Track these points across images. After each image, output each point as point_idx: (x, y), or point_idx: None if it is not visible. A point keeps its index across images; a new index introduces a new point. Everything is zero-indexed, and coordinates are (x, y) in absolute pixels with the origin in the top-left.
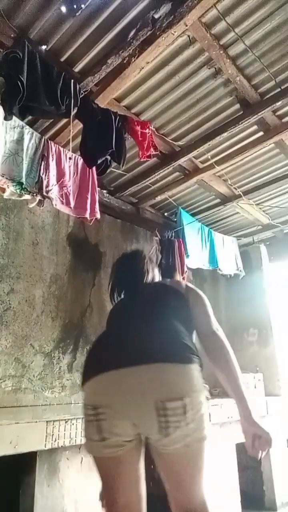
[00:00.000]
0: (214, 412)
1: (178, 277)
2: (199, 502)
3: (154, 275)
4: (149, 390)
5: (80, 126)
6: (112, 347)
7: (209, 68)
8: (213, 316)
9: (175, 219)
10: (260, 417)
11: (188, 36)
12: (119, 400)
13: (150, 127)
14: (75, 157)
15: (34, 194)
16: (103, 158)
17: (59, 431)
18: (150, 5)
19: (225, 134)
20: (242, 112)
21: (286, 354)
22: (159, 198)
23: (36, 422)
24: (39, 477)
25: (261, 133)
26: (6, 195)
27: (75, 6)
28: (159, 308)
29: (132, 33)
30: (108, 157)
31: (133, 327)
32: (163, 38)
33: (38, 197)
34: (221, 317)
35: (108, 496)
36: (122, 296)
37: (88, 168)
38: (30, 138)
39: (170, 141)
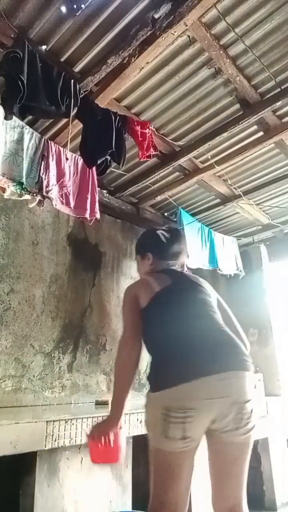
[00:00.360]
0: None
1: None
2: (243, 496)
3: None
4: (236, 393)
5: (80, 126)
6: (196, 352)
7: (209, 68)
8: None
9: (175, 219)
10: (260, 417)
11: (188, 36)
12: (209, 403)
13: (150, 127)
14: (75, 157)
15: (34, 194)
16: (103, 158)
17: (59, 431)
18: (150, 5)
19: (225, 134)
20: (242, 112)
21: (286, 354)
22: (159, 198)
23: (36, 422)
24: (39, 477)
25: (261, 133)
26: (6, 195)
27: (75, 6)
28: (215, 307)
29: (132, 33)
30: (108, 157)
31: (207, 329)
32: (163, 38)
33: (38, 197)
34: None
35: (167, 486)
36: (161, 271)
37: (88, 168)
38: (30, 138)
39: (170, 141)
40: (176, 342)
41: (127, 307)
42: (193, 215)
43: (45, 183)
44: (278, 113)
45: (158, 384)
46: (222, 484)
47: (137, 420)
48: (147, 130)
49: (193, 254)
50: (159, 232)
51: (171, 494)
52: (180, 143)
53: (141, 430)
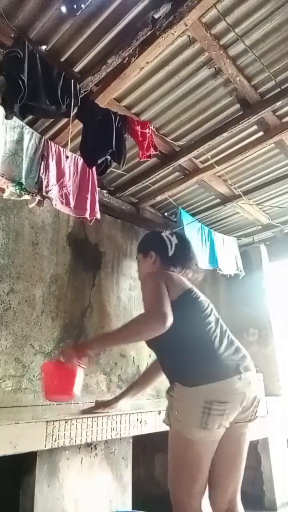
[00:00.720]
0: None
1: None
2: (239, 491)
3: None
4: (255, 389)
5: (80, 126)
6: (230, 355)
7: (209, 68)
8: None
9: (175, 219)
10: (260, 417)
11: (188, 36)
12: (240, 397)
13: (150, 127)
14: (75, 157)
15: (34, 194)
16: (103, 158)
17: (59, 431)
18: (150, 5)
19: (225, 134)
20: (242, 112)
21: (286, 354)
22: (159, 198)
23: (36, 422)
24: (39, 477)
25: (261, 133)
26: (5, 195)
27: (75, 6)
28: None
29: (132, 33)
30: (108, 157)
31: (228, 333)
32: (163, 38)
33: (38, 197)
34: (221, 317)
35: (195, 478)
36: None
37: (88, 168)
38: (30, 138)
39: (170, 141)
40: (211, 341)
41: (160, 284)
42: (193, 215)
43: (44, 183)
44: (278, 113)
45: (196, 380)
46: (227, 477)
47: (137, 420)
48: (147, 130)
49: None
50: (164, 234)
51: (198, 485)
52: (180, 143)
53: (141, 430)
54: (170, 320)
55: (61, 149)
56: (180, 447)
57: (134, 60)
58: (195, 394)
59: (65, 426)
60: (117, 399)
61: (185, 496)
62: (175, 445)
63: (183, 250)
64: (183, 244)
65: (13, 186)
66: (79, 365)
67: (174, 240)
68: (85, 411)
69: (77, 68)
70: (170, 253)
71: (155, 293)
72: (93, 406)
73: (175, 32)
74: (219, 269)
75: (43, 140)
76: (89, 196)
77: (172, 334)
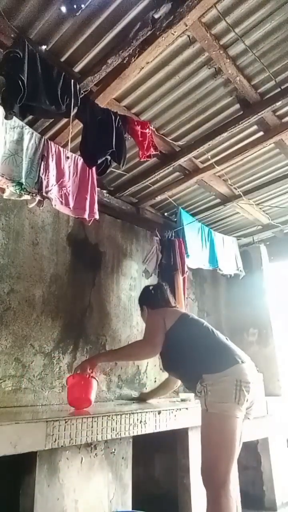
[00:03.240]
0: None
1: (179, 277)
2: None
3: None
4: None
5: (80, 126)
6: (232, 348)
7: (209, 68)
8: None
9: (175, 219)
10: (260, 417)
11: (188, 36)
12: (254, 379)
13: (150, 127)
14: (74, 157)
15: (34, 195)
16: (103, 158)
17: (59, 431)
18: (150, 5)
19: (225, 134)
20: (242, 112)
21: (286, 354)
22: (159, 198)
23: (36, 422)
24: (39, 477)
25: (261, 133)
26: (5, 195)
27: (75, 6)
28: None
29: (132, 33)
30: (108, 157)
31: (222, 335)
32: (163, 38)
33: (38, 198)
34: (221, 317)
35: (230, 462)
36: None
37: (88, 168)
38: (30, 138)
39: (170, 141)
40: (217, 337)
41: (159, 320)
42: (193, 215)
43: (44, 183)
44: (278, 113)
45: (222, 365)
46: (235, 465)
47: (137, 420)
48: (147, 130)
49: (193, 254)
50: (146, 288)
51: (232, 463)
52: (180, 143)
53: (141, 430)
54: (158, 350)
55: (61, 149)
56: (218, 426)
57: (134, 60)
58: (227, 375)
59: (65, 426)
60: (98, 360)
61: (224, 472)
62: (212, 426)
63: (160, 293)
64: (157, 290)
65: (13, 186)
66: (92, 377)
67: (153, 289)
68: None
69: (77, 68)
70: (154, 300)
71: (151, 326)
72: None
73: (175, 32)
74: (219, 269)
75: (43, 140)
76: (88, 197)
77: (185, 345)
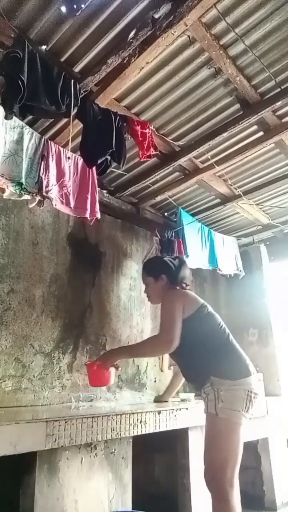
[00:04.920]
0: None
1: None
2: None
3: None
4: None
5: (80, 126)
6: (245, 357)
7: (209, 68)
8: None
9: (175, 219)
10: (260, 417)
11: (188, 36)
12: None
13: (150, 127)
14: (75, 157)
15: (34, 194)
16: (103, 158)
17: (59, 431)
18: (150, 5)
19: (225, 134)
20: (242, 112)
21: (286, 354)
22: (159, 198)
23: (36, 422)
24: (39, 477)
25: (261, 133)
26: (5, 195)
27: (75, 6)
28: None
29: (132, 33)
30: (108, 157)
31: (235, 342)
32: (163, 38)
33: (38, 197)
34: (221, 317)
35: (235, 464)
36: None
37: (88, 168)
38: (30, 138)
39: (170, 141)
40: (233, 344)
41: (178, 307)
42: (193, 215)
43: (44, 183)
44: (278, 113)
45: (234, 373)
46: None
47: (137, 420)
48: (147, 130)
49: (193, 254)
50: (166, 259)
51: (238, 467)
52: (180, 143)
53: (141, 430)
54: (175, 345)
55: (61, 149)
56: (226, 432)
57: (134, 60)
58: (240, 385)
59: (65, 426)
60: (118, 357)
61: (231, 476)
62: (221, 432)
63: (184, 268)
64: (182, 264)
65: (13, 186)
66: (114, 366)
67: (176, 262)
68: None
69: (77, 68)
70: (176, 273)
71: (170, 315)
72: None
73: (175, 32)
74: (219, 269)
75: (43, 140)
76: (89, 196)
77: (199, 340)
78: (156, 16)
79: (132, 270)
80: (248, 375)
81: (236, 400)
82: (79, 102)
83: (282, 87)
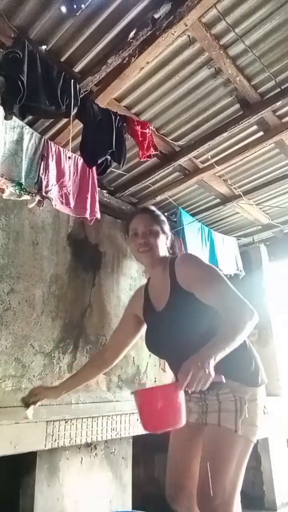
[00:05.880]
0: None
1: None
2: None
3: None
4: None
5: (80, 126)
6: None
7: (209, 68)
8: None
9: (175, 219)
10: None
11: (188, 36)
12: None
13: (150, 127)
14: (75, 157)
15: (34, 195)
16: (103, 158)
17: (59, 431)
18: (150, 5)
19: (225, 134)
20: (242, 112)
21: (286, 354)
22: (159, 198)
23: (36, 422)
24: (39, 477)
25: (261, 133)
26: (5, 195)
27: (75, 6)
28: None
29: (132, 33)
30: (108, 157)
31: None
32: (163, 38)
33: (38, 197)
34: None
35: (240, 481)
36: None
37: (88, 168)
38: (30, 138)
39: (170, 141)
40: (249, 343)
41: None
42: (193, 215)
43: (44, 183)
44: (278, 113)
45: (260, 379)
46: None
47: (137, 420)
48: (147, 130)
49: None
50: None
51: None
52: (180, 143)
53: (141, 430)
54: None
55: (61, 149)
56: (245, 454)
57: (134, 60)
58: (261, 393)
59: (65, 426)
60: (57, 391)
61: (236, 501)
62: (238, 453)
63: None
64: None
65: (13, 186)
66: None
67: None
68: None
69: (77, 68)
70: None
71: (230, 287)
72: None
73: (175, 32)
74: (219, 269)
75: (43, 140)
76: (89, 196)
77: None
78: (156, 16)
79: (132, 270)
80: (265, 381)
81: (257, 413)
82: (79, 102)
83: (282, 87)
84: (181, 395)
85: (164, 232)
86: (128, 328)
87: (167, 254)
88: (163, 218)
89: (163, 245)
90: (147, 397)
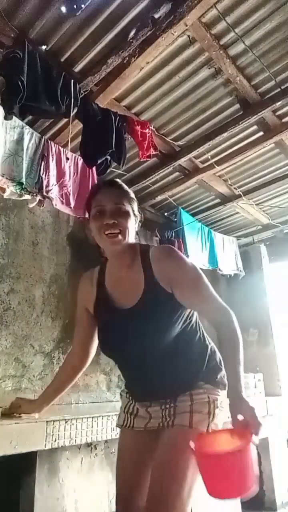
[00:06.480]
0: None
1: None
2: None
3: None
4: None
5: (80, 126)
6: None
7: (209, 68)
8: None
9: (175, 219)
10: (260, 417)
11: (188, 36)
12: None
13: (150, 127)
14: (75, 157)
15: (34, 194)
16: (103, 158)
17: (59, 431)
18: (150, 5)
19: (225, 134)
20: (242, 112)
21: (286, 354)
22: (159, 198)
23: (36, 422)
24: (39, 477)
25: (261, 133)
26: (6, 195)
27: (75, 6)
28: None
29: (132, 33)
30: (108, 157)
31: None
32: (163, 38)
33: (38, 197)
34: None
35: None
36: None
37: (88, 168)
38: (30, 138)
39: (170, 141)
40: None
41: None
42: (193, 215)
43: (45, 183)
44: (278, 113)
45: (224, 381)
46: None
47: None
48: (147, 130)
49: (193, 254)
50: None
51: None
52: (180, 143)
53: None
54: None
55: (61, 149)
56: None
57: (134, 60)
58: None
59: (65, 426)
60: (39, 406)
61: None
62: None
63: None
64: None
65: (13, 186)
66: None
67: None
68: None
69: (77, 68)
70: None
71: (213, 291)
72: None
73: (175, 32)
74: (219, 269)
75: (43, 140)
76: None
77: (193, 332)
78: (156, 16)
79: None
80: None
81: (219, 418)
82: (79, 102)
83: (282, 87)
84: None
85: (134, 214)
86: (85, 323)
87: (134, 241)
88: (133, 195)
89: (133, 229)
90: (216, 463)
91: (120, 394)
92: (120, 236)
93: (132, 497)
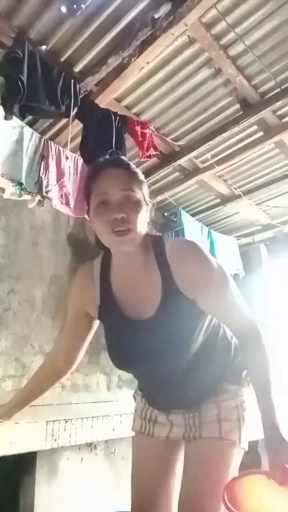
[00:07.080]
0: None
1: None
2: None
3: None
4: None
5: (80, 126)
6: None
7: (209, 68)
8: None
9: (175, 219)
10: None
11: (188, 36)
12: None
13: (150, 127)
14: (75, 157)
15: (34, 194)
16: None
17: (59, 431)
18: (150, 5)
19: (225, 134)
20: (242, 112)
21: (286, 354)
22: (159, 198)
23: (36, 422)
24: (39, 477)
25: (261, 133)
26: (5, 195)
27: (75, 6)
28: None
29: (132, 33)
30: None
31: None
32: (163, 38)
33: (38, 197)
34: None
35: None
36: None
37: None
38: (30, 138)
39: (170, 141)
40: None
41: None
42: (193, 215)
43: (44, 183)
44: (278, 113)
45: (247, 378)
46: None
47: None
48: (147, 130)
49: None
50: None
51: None
52: (180, 143)
53: None
54: None
55: (61, 149)
56: (235, 466)
57: (134, 60)
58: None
59: (65, 426)
60: (9, 412)
61: None
62: (233, 469)
63: None
64: None
65: (13, 186)
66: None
67: None
68: None
69: (77, 68)
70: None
71: (241, 298)
72: None
73: (175, 32)
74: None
75: (43, 140)
76: None
77: (215, 333)
78: (156, 16)
79: None
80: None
81: (249, 418)
82: (79, 102)
83: (282, 87)
84: None
85: (146, 202)
86: (80, 328)
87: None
88: (142, 177)
89: (145, 222)
90: None
91: (134, 397)
92: (131, 234)
93: (149, 510)
